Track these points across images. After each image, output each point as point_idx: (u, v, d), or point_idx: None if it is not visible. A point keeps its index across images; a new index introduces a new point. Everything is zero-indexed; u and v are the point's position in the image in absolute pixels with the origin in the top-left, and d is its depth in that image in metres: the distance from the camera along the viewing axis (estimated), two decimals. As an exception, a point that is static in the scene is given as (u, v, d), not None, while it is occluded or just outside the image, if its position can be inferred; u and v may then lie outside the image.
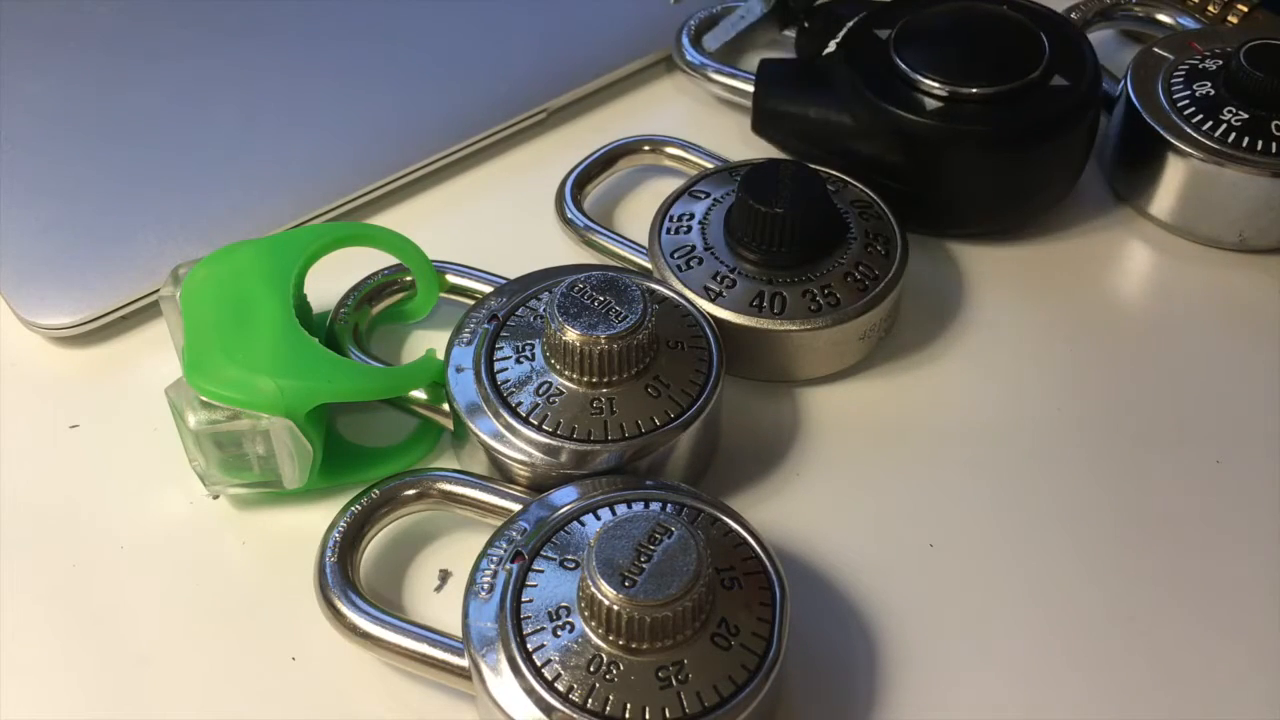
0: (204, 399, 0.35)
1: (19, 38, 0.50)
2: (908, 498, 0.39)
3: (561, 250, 0.44)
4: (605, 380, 0.36)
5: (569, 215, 0.44)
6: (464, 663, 0.33)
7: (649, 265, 0.41)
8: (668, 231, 0.42)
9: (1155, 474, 0.39)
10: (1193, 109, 0.44)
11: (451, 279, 0.41)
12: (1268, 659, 0.35)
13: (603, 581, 0.31)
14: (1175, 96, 0.44)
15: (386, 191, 0.46)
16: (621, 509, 0.34)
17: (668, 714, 0.30)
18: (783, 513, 0.38)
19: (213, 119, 0.47)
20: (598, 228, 0.44)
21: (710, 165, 0.45)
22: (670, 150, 0.46)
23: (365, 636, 0.34)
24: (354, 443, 0.39)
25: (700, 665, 0.31)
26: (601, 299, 0.36)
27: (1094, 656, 0.35)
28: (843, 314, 0.39)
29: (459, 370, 0.37)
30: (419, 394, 0.38)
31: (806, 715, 0.34)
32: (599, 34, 0.51)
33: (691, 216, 0.42)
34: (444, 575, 0.37)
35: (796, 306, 0.39)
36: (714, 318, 0.39)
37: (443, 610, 0.36)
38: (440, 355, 0.38)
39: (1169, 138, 0.43)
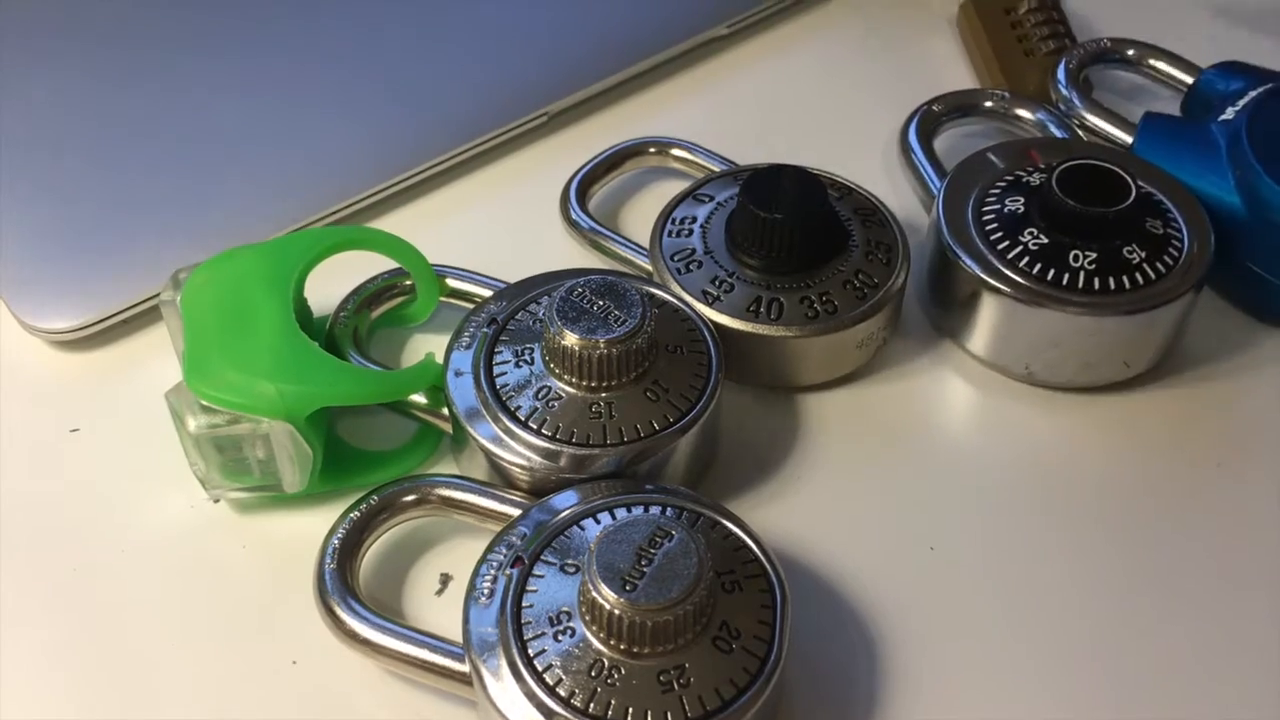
0: (204, 403, 0.35)
1: (19, 40, 0.50)
2: (908, 501, 0.39)
3: (561, 254, 0.44)
4: (604, 384, 0.36)
5: (574, 216, 0.44)
6: (464, 668, 0.33)
7: (651, 268, 0.41)
8: (669, 235, 0.42)
9: (1156, 478, 0.39)
10: (996, 225, 0.40)
11: (451, 283, 0.41)
12: (1269, 661, 0.35)
13: (604, 585, 0.31)
14: (985, 210, 0.41)
15: (388, 195, 0.46)
16: (621, 513, 0.34)
17: (669, 718, 0.30)
18: (783, 516, 0.38)
19: (213, 122, 0.47)
20: (601, 229, 0.44)
21: (716, 168, 0.45)
22: (676, 152, 0.46)
23: (365, 643, 0.34)
24: (354, 446, 0.39)
25: (701, 669, 0.31)
26: (601, 303, 0.36)
27: (1094, 659, 0.35)
28: (839, 321, 0.39)
29: (458, 374, 0.37)
30: (418, 398, 0.38)
31: (807, 718, 0.34)
32: (599, 37, 0.51)
33: (694, 220, 0.42)
34: (444, 579, 0.37)
35: (793, 312, 0.39)
36: (712, 322, 0.39)
37: (443, 615, 0.36)
38: (439, 359, 0.38)
39: (954, 253, 0.40)
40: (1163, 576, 0.37)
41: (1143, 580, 0.37)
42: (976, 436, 0.41)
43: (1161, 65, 0.48)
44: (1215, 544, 0.38)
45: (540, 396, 0.36)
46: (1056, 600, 0.37)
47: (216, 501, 0.38)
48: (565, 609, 0.32)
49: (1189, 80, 0.47)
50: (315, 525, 0.36)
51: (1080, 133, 0.46)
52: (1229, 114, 0.43)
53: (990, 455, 0.40)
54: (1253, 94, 0.43)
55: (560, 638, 0.32)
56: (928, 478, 0.39)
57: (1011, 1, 0.51)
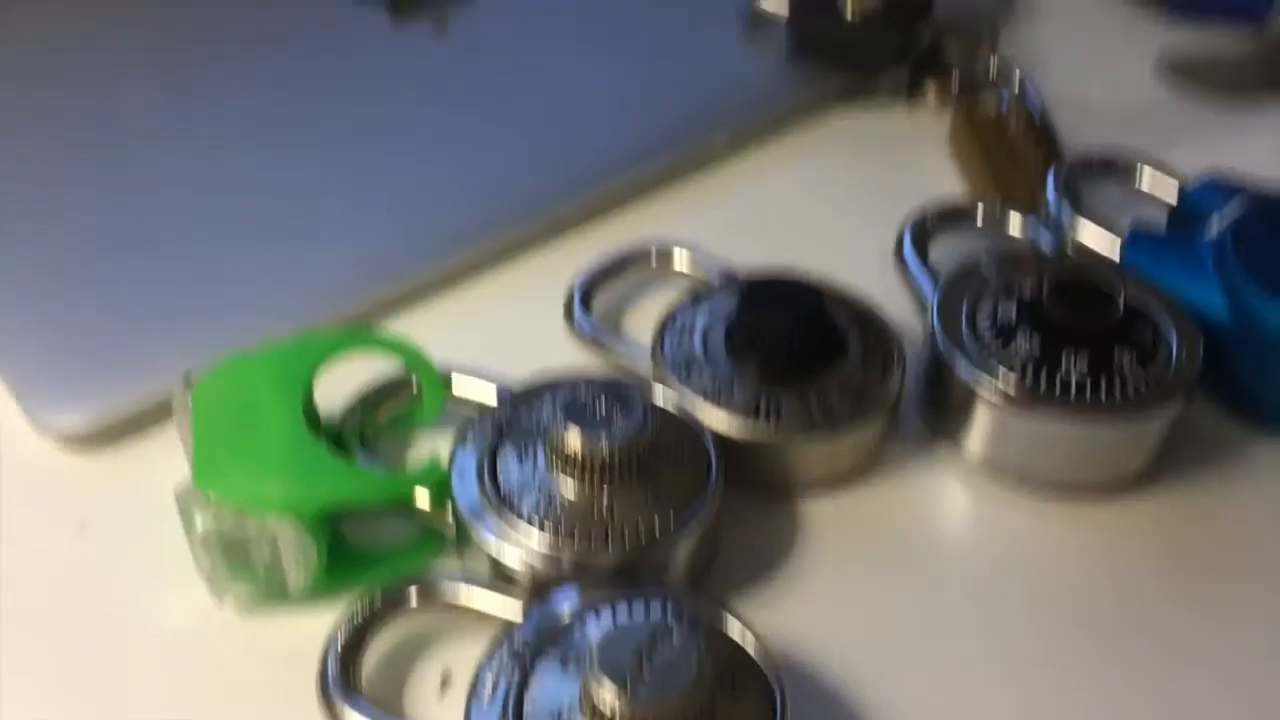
0: (212, 503, 0.36)
1: (23, 137, 0.51)
2: (907, 604, 0.39)
3: (565, 357, 0.45)
4: (607, 485, 0.37)
5: (577, 320, 0.45)
6: (466, 768, 0.33)
7: (653, 371, 0.42)
8: (670, 339, 0.42)
9: (1149, 584, 0.40)
10: (989, 333, 0.41)
11: (456, 384, 0.42)
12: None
13: (604, 686, 0.31)
14: (978, 318, 0.42)
15: (398, 296, 0.47)
16: (623, 613, 0.34)
17: (668, 820, 0.30)
18: (782, 617, 0.38)
19: (224, 223, 0.48)
20: (604, 334, 0.45)
21: (717, 274, 0.46)
22: (677, 258, 0.47)
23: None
24: (359, 547, 0.40)
25: (701, 771, 0.31)
26: (604, 405, 0.37)
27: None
28: (836, 426, 0.40)
29: (462, 475, 0.38)
30: (423, 497, 0.38)
31: (806, 822, 0.34)
32: (601, 143, 0.52)
33: (694, 325, 0.43)
34: (446, 677, 0.37)
35: (793, 418, 0.40)
36: (711, 425, 0.40)
37: (445, 713, 0.36)
38: (444, 460, 0.39)
39: (948, 360, 0.41)
40: (1160, 684, 0.37)
41: (1140, 688, 0.37)
42: (971, 539, 0.41)
43: (1148, 178, 0.49)
44: (1212, 653, 0.38)
45: (543, 496, 0.37)
46: (1054, 706, 0.37)
47: (222, 601, 0.38)
48: (566, 709, 0.32)
49: (1176, 190, 0.48)
50: (320, 625, 0.36)
51: (1071, 242, 0.47)
52: (1214, 225, 0.44)
53: (985, 558, 0.40)
54: (1236, 204, 0.44)
55: (561, 738, 0.32)
56: (925, 581, 0.40)
57: (1002, 116, 0.53)
